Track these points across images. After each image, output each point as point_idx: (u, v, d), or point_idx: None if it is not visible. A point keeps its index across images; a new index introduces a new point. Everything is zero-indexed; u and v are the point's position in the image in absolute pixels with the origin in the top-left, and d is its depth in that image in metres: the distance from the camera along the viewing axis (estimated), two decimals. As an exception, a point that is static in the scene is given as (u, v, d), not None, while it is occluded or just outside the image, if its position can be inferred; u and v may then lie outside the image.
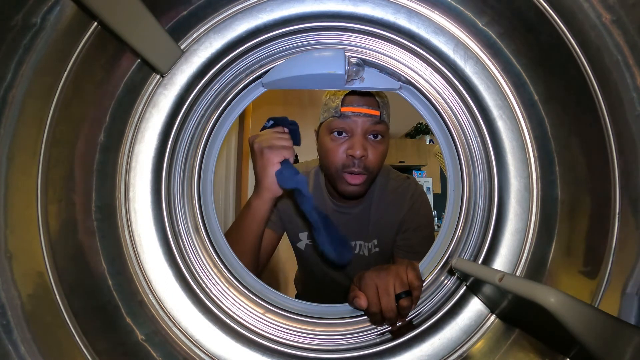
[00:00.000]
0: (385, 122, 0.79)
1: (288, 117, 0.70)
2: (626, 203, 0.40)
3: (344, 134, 0.78)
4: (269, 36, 0.52)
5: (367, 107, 0.76)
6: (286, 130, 0.69)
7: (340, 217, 0.93)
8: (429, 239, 0.92)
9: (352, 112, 0.76)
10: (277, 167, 0.64)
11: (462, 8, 0.49)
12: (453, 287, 0.53)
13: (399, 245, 0.92)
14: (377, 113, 0.76)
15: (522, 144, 0.51)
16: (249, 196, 0.71)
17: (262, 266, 0.85)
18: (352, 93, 0.78)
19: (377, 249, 0.94)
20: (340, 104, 0.77)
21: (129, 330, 0.46)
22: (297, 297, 1.19)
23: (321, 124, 0.83)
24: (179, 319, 0.50)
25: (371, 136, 0.78)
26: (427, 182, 3.76)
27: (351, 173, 0.78)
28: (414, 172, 3.95)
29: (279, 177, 0.63)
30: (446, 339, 0.51)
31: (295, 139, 0.69)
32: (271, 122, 0.69)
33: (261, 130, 0.68)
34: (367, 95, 0.78)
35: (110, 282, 0.46)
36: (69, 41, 0.40)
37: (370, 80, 0.56)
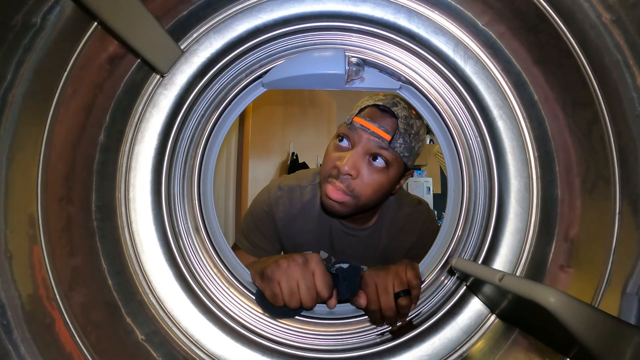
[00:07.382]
0: (395, 151, 0.68)
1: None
2: (626, 203, 0.40)
3: (347, 144, 0.70)
4: (269, 36, 0.52)
5: (379, 126, 0.66)
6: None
7: (347, 239, 0.87)
8: None
9: (361, 125, 0.67)
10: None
11: (462, 8, 0.49)
12: (453, 287, 0.53)
13: None
14: (387, 137, 0.66)
15: (522, 144, 0.51)
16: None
17: None
18: (376, 106, 0.69)
19: None
20: (356, 112, 0.70)
21: (129, 330, 0.46)
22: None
23: None
24: (179, 319, 0.50)
25: (371, 158, 0.68)
26: (427, 182, 3.75)
27: (333, 185, 0.68)
28: (414, 172, 3.95)
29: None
30: (446, 339, 0.51)
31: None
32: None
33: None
34: (389, 116, 0.68)
35: (110, 282, 0.46)
36: (69, 41, 0.40)
37: (370, 80, 0.56)
